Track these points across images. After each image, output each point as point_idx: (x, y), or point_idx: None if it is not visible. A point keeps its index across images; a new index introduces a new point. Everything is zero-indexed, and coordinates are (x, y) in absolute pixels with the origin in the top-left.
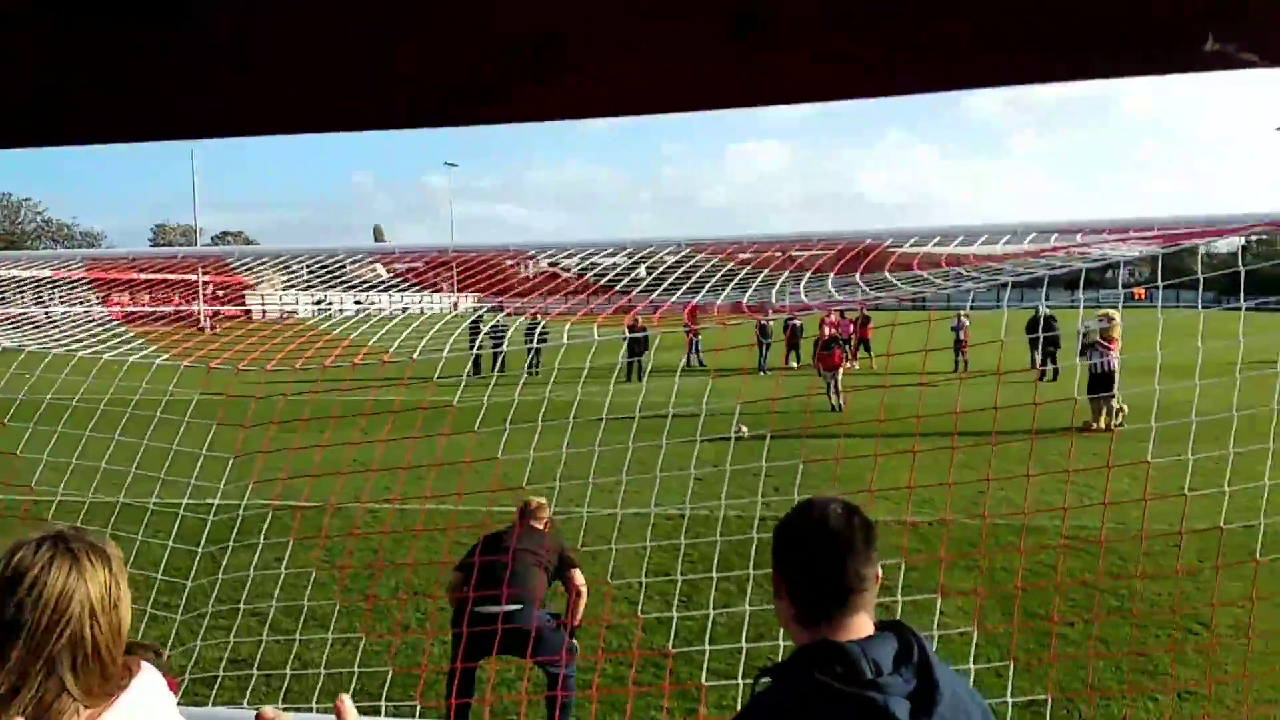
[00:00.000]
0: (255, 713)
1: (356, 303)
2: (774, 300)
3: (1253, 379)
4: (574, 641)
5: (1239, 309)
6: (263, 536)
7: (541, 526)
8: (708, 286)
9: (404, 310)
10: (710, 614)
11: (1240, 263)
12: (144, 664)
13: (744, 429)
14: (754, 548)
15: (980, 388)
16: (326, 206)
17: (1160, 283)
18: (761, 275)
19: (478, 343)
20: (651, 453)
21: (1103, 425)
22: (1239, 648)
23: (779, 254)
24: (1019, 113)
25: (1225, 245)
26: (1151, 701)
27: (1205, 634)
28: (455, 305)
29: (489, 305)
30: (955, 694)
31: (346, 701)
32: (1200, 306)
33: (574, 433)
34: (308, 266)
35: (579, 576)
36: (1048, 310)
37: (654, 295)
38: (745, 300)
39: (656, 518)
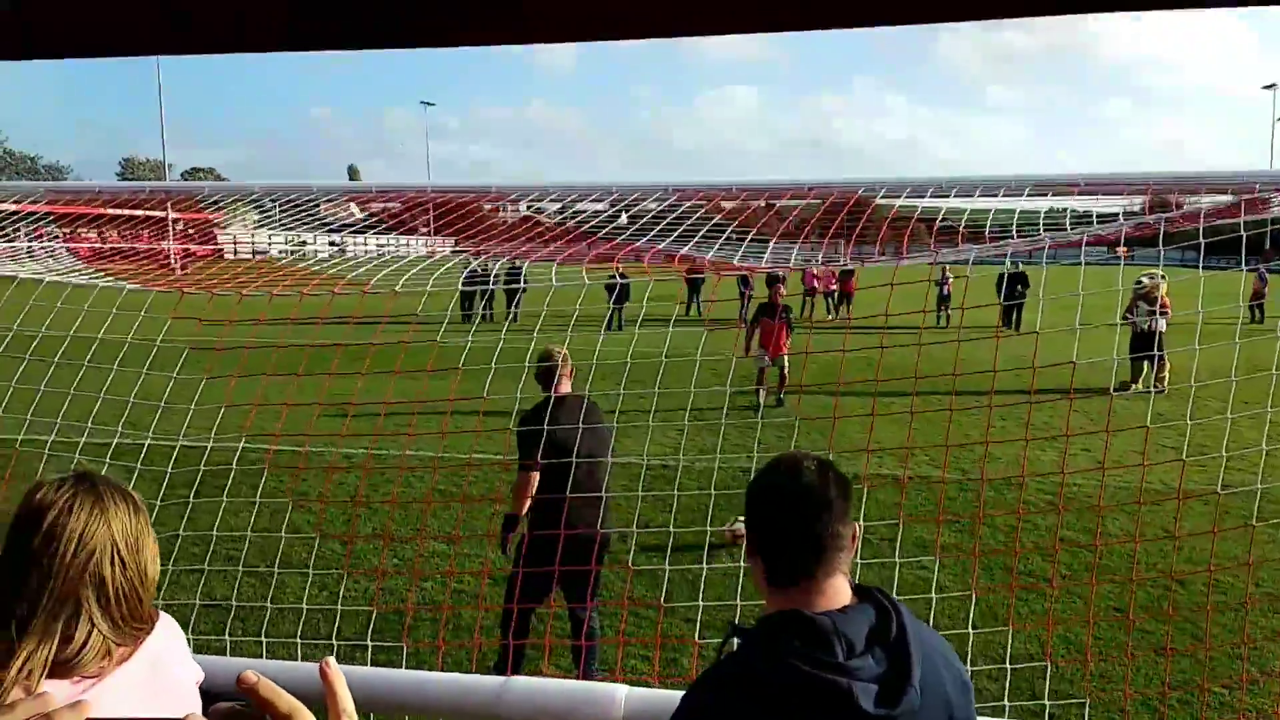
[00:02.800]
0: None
1: (331, 243)
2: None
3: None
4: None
5: (1222, 269)
6: (230, 477)
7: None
8: (694, 239)
9: (380, 253)
10: (704, 570)
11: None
12: (161, 612)
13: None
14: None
15: (968, 345)
16: (285, 142)
17: (1162, 246)
18: (750, 232)
19: (488, 288)
20: (643, 401)
21: (1141, 386)
22: (1216, 604)
23: (764, 208)
24: (995, 64)
25: (1208, 204)
26: (1129, 657)
27: (1181, 591)
28: (432, 250)
29: (484, 253)
30: (931, 677)
31: (333, 664)
32: (1201, 267)
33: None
34: (279, 206)
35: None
36: (1015, 269)
37: (639, 243)
38: (736, 259)
39: (647, 469)
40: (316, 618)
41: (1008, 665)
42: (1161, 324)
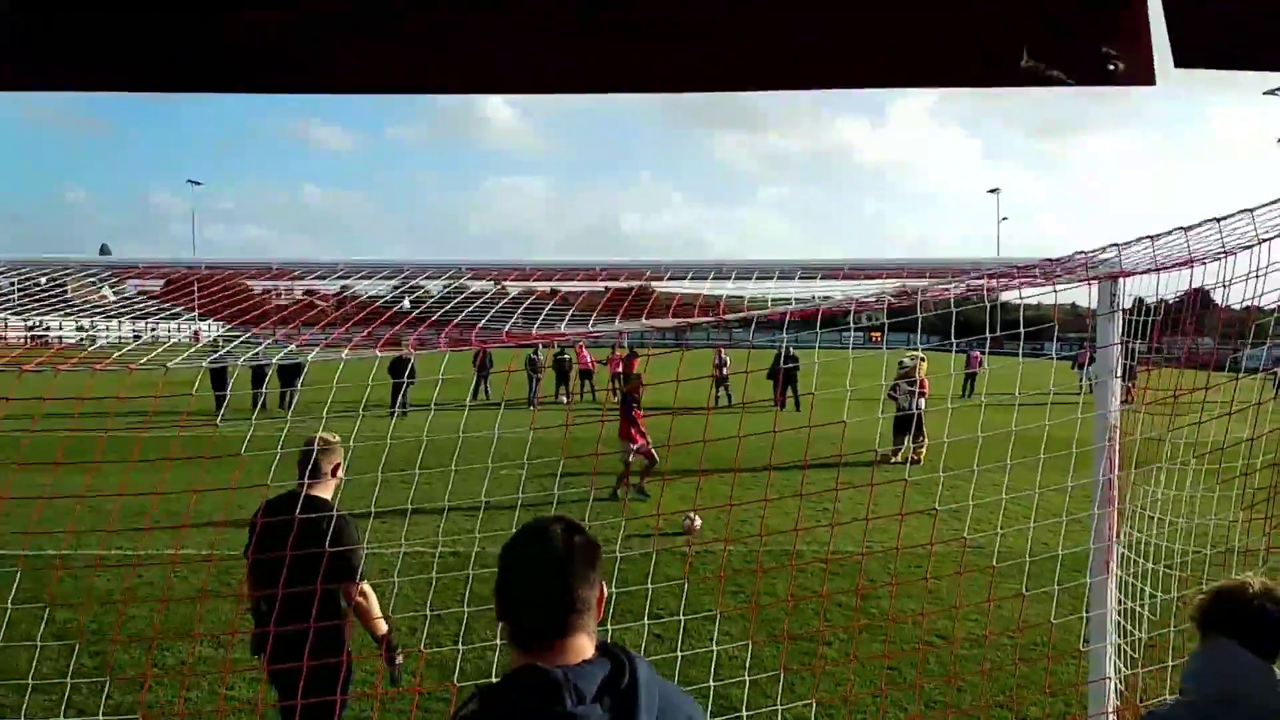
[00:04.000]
0: None
1: (79, 328)
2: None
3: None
4: None
5: (950, 349)
6: None
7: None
8: (480, 323)
9: (135, 337)
10: (497, 645)
11: (952, 306)
12: None
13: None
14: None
15: (747, 420)
16: (34, 225)
17: (918, 330)
18: (538, 316)
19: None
20: (439, 486)
21: (900, 457)
22: (975, 657)
23: (548, 292)
24: (768, 167)
25: (952, 292)
26: (902, 711)
27: (944, 645)
28: (196, 335)
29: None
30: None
31: None
32: (1000, 351)
33: (352, 463)
34: (16, 285)
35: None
36: (789, 354)
37: (422, 328)
38: (508, 329)
39: (406, 555)
40: None
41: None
42: (920, 402)
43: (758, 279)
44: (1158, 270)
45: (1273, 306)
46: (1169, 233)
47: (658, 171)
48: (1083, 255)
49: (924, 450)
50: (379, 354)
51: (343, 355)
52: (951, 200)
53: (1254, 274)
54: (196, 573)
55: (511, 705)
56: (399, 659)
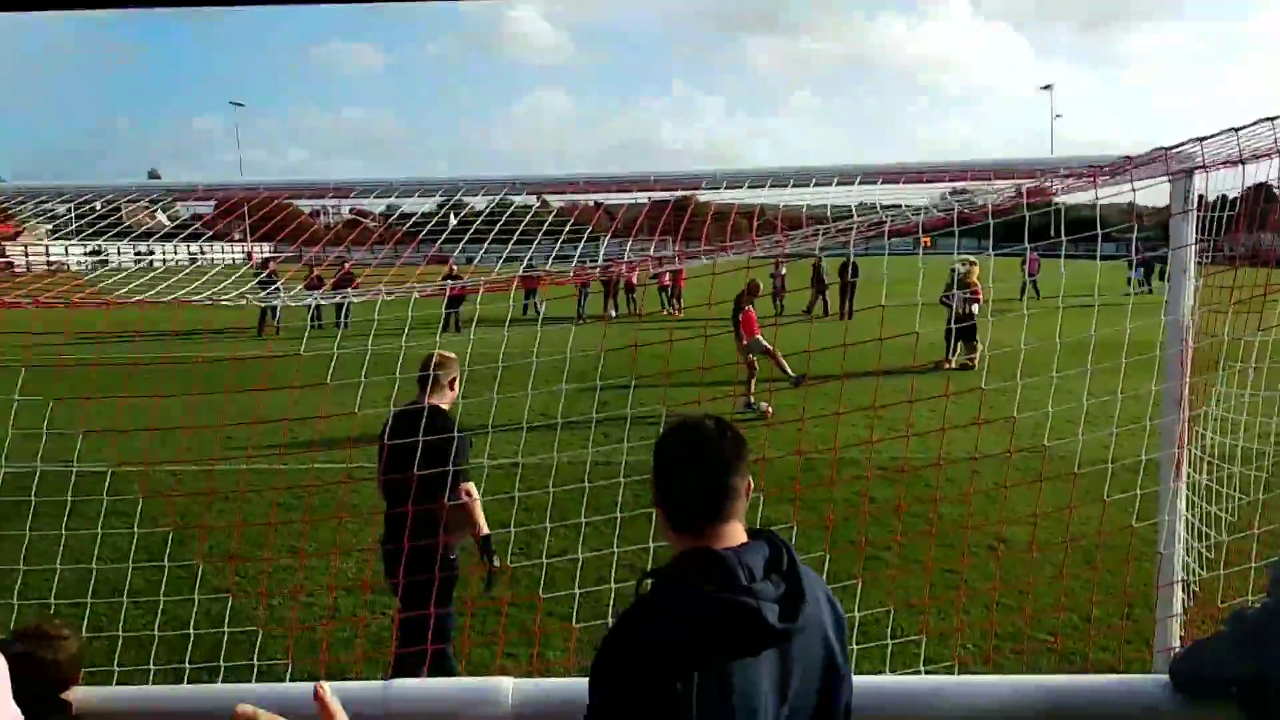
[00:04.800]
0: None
1: (137, 253)
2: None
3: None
4: None
5: (1017, 253)
6: (34, 500)
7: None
8: (533, 242)
9: (192, 261)
10: (544, 563)
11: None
12: None
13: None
14: (585, 495)
15: (802, 332)
16: (79, 154)
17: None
18: (583, 231)
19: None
20: (484, 405)
21: (954, 364)
22: (1034, 560)
23: (591, 205)
24: (802, 72)
25: (990, 198)
26: (965, 614)
27: (1005, 549)
28: (250, 255)
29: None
30: (816, 599)
31: (326, 688)
32: (993, 253)
33: (401, 388)
34: (76, 211)
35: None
36: (854, 257)
37: (471, 249)
38: (574, 262)
39: (490, 470)
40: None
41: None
42: (974, 308)
43: (795, 185)
44: (1241, 162)
45: None
46: (1256, 124)
47: (690, 81)
48: (1162, 151)
49: (976, 357)
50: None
51: (414, 294)
52: (994, 101)
53: None
54: (261, 494)
55: (688, 585)
56: (495, 562)
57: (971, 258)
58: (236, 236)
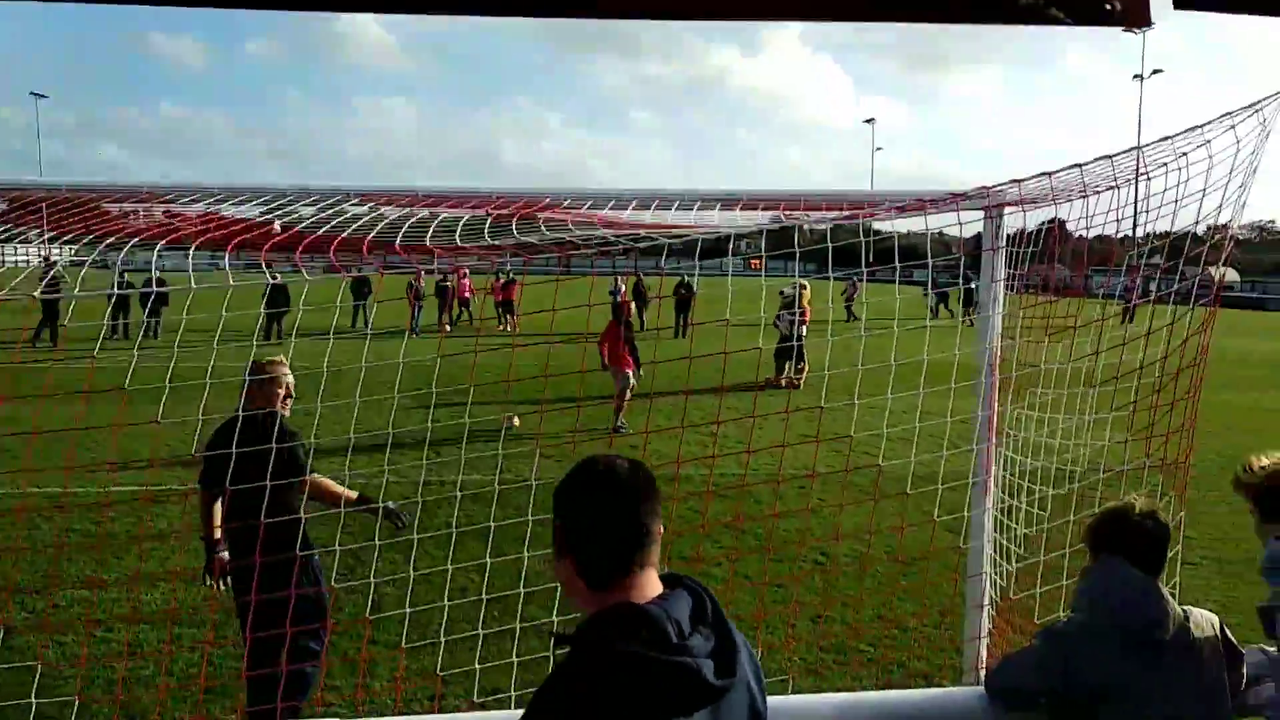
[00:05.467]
0: None
1: None
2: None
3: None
4: None
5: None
6: None
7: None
8: (360, 243)
9: None
10: (372, 584)
11: (829, 240)
12: None
13: (515, 420)
14: (418, 511)
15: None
16: None
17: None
18: (412, 230)
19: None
20: (308, 418)
21: (783, 382)
22: (855, 573)
23: (428, 217)
24: (640, 86)
25: (821, 223)
26: (790, 627)
27: (829, 563)
28: (47, 260)
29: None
30: (743, 645)
31: None
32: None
33: (211, 397)
34: None
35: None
36: (687, 277)
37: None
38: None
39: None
40: None
41: None
42: (803, 329)
43: (635, 209)
44: (1055, 203)
45: (1122, 236)
46: (1066, 169)
47: (535, 97)
48: (983, 189)
49: (804, 376)
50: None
51: (227, 279)
52: (822, 132)
53: (1117, 208)
54: (51, 519)
55: (614, 648)
56: (391, 504)
57: (804, 281)
58: (32, 236)
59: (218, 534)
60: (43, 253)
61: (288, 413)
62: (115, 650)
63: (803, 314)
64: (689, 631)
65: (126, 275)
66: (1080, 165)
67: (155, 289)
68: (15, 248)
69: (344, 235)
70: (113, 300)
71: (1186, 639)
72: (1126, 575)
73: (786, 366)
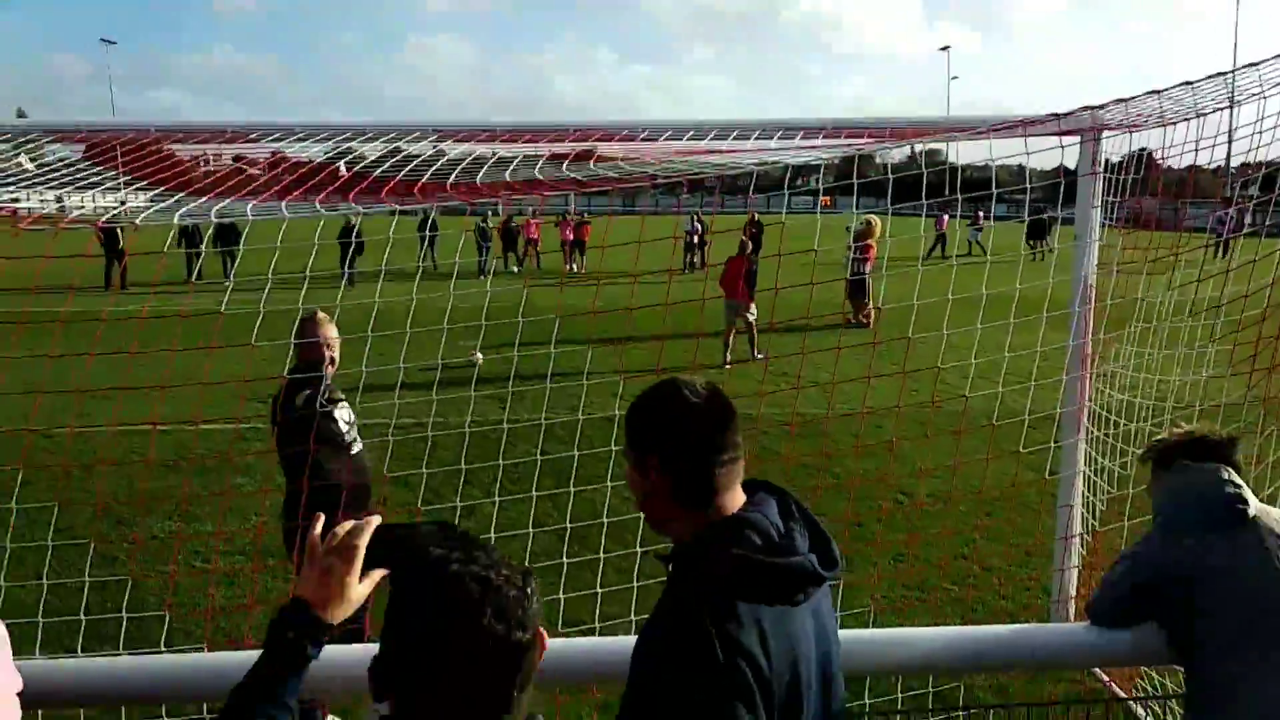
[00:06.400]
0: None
1: None
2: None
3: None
4: None
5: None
6: None
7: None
8: (418, 185)
9: (60, 208)
10: (458, 511)
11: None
12: None
13: (478, 355)
14: (501, 455)
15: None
16: None
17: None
18: (475, 172)
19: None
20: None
21: (858, 320)
22: (936, 512)
23: (487, 154)
24: (698, 23)
25: (898, 154)
26: (872, 566)
27: (909, 502)
28: (124, 203)
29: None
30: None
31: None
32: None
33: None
34: None
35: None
36: (756, 215)
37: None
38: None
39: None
40: None
41: None
42: (865, 267)
43: (692, 139)
44: (1163, 125)
45: (1215, 166)
46: (1174, 87)
47: (583, 33)
48: (1056, 116)
49: (869, 315)
50: (322, 210)
51: (283, 213)
52: (890, 63)
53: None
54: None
55: (735, 558)
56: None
57: (871, 217)
58: (108, 183)
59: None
60: (119, 196)
61: (330, 375)
62: (204, 574)
63: (866, 251)
64: (784, 530)
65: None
66: (1191, 83)
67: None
68: (94, 195)
69: (406, 178)
70: (185, 238)
71: (1271, 521)
72: (1198, 468)
73: (852, 305)
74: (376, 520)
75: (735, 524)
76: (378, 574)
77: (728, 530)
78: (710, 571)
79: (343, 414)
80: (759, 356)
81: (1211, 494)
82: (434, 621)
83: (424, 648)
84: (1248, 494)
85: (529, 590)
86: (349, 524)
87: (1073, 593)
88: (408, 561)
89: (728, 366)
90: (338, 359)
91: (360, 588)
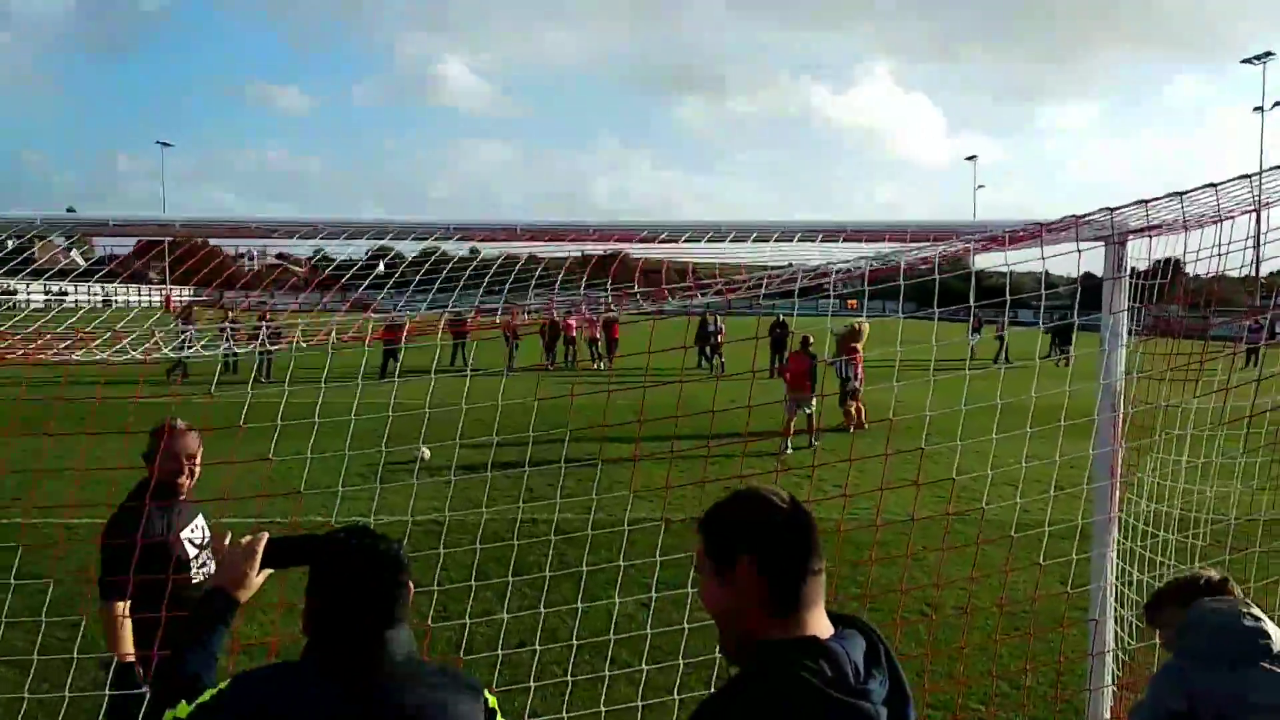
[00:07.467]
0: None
1: (48, 293)
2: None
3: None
4: None
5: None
6: None
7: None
8: (455, 289)
9: (105, 302)
10: (467, 624)
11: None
12: None
13: (425, 452)
14: (514, 554)
15: (729, 389)
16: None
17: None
18: (509, 277)
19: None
20: (402, 457)
21: (849, 426)
22: (961, 625)
23: (527, 258)
24: (733, 132)
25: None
26: None
27: (933, 613)
28: (168, 300)
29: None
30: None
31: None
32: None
33: (318, 437)
34: None
35: None
36: (782, 316)
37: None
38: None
39: (411, 528)
40: None
41: None
42: (848, 370)
43: (732, 240)
44: (1185, 228)
45: (1244, 274)
46: (1198, 189)
47: (624, 138)
48: (1074, 218)
49: (854, 418)
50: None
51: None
52: (918, 170)
53: (1231, 244)
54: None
55: (802, 681)
56: None
57: (859, 320)
58: (154, 278)
59: None
60: (165, 292)
61: (188, 488)
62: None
63: (853, 355)
64: (864, 674)
65: (233, 314)
66: (1215, 185)
67: (263, 326)
68: (141, 289)
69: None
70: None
71: None
72: (1210, 605)
73: (848, 407)
74: (266, 536)
75: (812, 647)
76: (267, 571)
77: (804, 650)
78: (772, 689)
79: (194, 536)
80: (816, 444)
81: (1229, 624)
82: (326, 566)
83: (320, 582)
84: (1269, 627)
85: (397, 552)
86: (248, 536)
87: (1106, 715)
88: (323, 543)
89: (789, 452)
90: (198, 471)
91: (258, 579)
